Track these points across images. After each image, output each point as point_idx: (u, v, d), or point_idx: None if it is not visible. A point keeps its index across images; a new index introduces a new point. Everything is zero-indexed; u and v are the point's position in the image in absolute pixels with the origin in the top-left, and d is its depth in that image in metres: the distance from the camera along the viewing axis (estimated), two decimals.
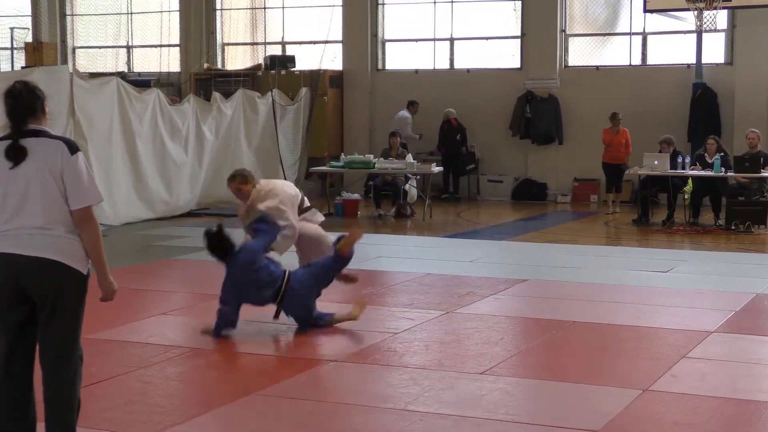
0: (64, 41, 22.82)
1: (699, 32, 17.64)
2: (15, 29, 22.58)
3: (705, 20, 16.93)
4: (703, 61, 18.07)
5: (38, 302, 4.64)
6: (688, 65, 18.39)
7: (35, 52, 19.81)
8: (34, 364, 4.75)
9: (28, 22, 22.56)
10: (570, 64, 19.35)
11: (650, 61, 18.93)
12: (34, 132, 4.68)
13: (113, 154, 14.67)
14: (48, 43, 21.06)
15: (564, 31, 19.23)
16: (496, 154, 19.51)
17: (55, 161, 4.63)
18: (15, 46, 22.46)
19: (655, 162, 15.31)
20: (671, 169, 15.16)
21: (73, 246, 4.66)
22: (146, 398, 6.06)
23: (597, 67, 19.07)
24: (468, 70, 19.80)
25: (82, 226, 4.69)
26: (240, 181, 8.67)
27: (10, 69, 21.39)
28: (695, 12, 16.89)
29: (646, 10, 17.94)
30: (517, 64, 19.55)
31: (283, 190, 8.58)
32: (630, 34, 19.02)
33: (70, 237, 4.67)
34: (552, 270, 10.94)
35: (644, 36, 18.91)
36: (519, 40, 19.51)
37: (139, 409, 5.84)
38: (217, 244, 7.61)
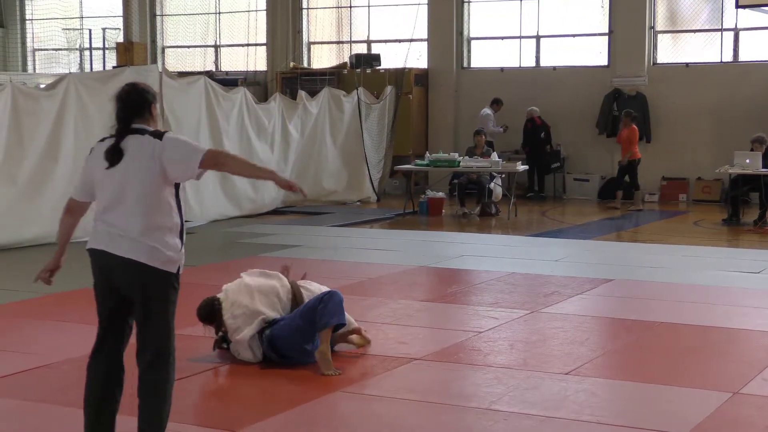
0: (153, 41, 23.22)
1: None
2: (107, 29, 23.05)
3: None
4: None
5: (132, 300, 4.80)
6: None
7: (126, 52, 20.15)
8: (124, 346, 4.94)
9: (119, 22, 22.99)
10: (659, 61, 19.07)
11: (742, 57, 18.56)
12: (136, 130, 4.79)
13: None
14: (138, 43, 21.40)
15: (653, 27, 18.96)
16: (582, 152, 19.32)
17: (151, 154, 4.71)
18: (107, 46, 22.92)
19: (747, 161, 15.03)
20: (764, 167, 14.86)
21: (164, 247, 4.74)
22: (230, 394, 6.12)
23: (686, 64, 18.76)
24: (554, 68, 19.63)
25: (223, 168, 4.90)
26: (209, 322, 6.98)
27: (102, 68, 21.83)
28: None
29: (738, 6, 17.57)
30: (604, 61, 19.34)
31: (239, 301, 6.89)
32: (721, 30, 18.68)
33: (161, 238, 4.74)
34: (638, 270, 10.79)
35: (736, 32, 18.54)
36: (607, 37, 19.29)
37: (224, 405, 5.91)
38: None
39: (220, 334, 6.84)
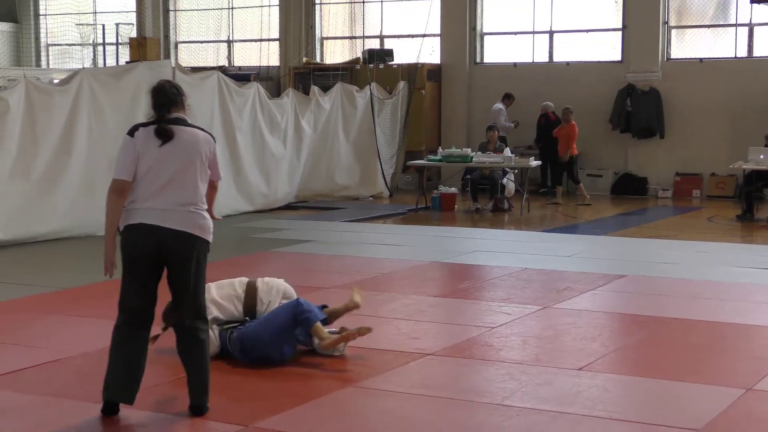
0: (167, 36, 23.26)
1: None
2: (120, 25, 23.09)
3: None
4: None
5: (176, 269, 5.41)
6: None
7: (139, 48, 20.19)
8: (154, 311, 5.53)
9: (132, 18, 23.04)
10: (673, 56, 19.01)
11: (756, 53, 18.48)
12: (176, 120, 5.45)
13: None
14: (151, 38, 21.44)
15: (666, 22, 18.90)
16: (595, 148, 19.28)
17: (206, 147, 5.50)
18: (120, 41, 22.97)
19: (761, 156, 14.98)
20: None
21: (207, 221, 5.50)
22: (241, 389, 6.13)
23: (700, 60, 18.69)
24: (568, 64, 19.60)
25: (212, 190, 5.65)
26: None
27: (115, 64, 21.88)
28: None
29: (753, 1, 17.49)
30: (617, 56, 19.29)
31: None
32: (736, 25, 18.60)
33: (204, 212, 5.50)
34: (652, 266, 10.76)
35: (750, 27, 18.47)
36: (620, 32, 19.24)
37: (235, 400, 5.92)
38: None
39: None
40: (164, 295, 5.62)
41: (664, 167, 18.82)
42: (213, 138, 5.62)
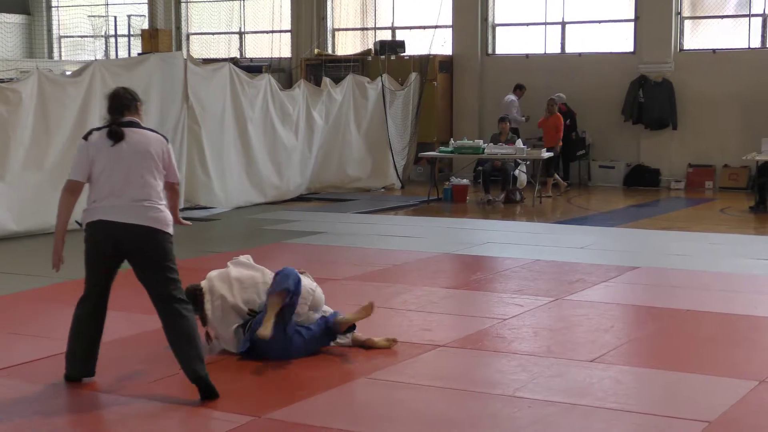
0: (178, 28, 23.27)
1: None
2: (132, 16, 23.11)
3: None
4: None
5: (143, 263, 5.75)
6: None
7: (151, 39, 20.17)
8: (107, 297, 5.98)
9: (144, 9, 23.03)
10: (685, 47, 18.93)
11: None
12: (129, 123, 5.84)
13: (225, 138, 14.90)
14: (163, 30, 21.41)
15: (679, 13, 18.82)
16: (607, 139, 19.23)
17: (157, 147, 5.82)
18: (132, 33, 22.99)
19: None
20: None
21: (163, 213, 5.78)
22: (254, 380, 6.13)
23: (714, 51, 18.61)
24: (580, 55, 19.53)
25: (172, 194, 6.01)
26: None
27: (127, 55, 21.91)
28: None
29: None
30: (630, 47, 19.22)
31: (217, 292, 6.77)
32: (749, 15, 18.51)
33: (160, 206, 5.79)
34: (664, 257, 10.74)
35: (764, 18, 18.37)
36: (633, 23, 19.16)
37: (247, 390, 5.93)
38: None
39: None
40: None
41: (676, 159, 18.76)
42: (166, 139, 5.93)
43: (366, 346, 6.78)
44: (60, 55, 25.25)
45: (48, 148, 12.26)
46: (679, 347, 7.05)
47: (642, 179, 18.83)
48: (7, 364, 6.33)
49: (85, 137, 5.88)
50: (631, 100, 18.87)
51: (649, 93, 18.62)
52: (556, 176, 17.64)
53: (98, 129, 5.88)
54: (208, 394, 5.63)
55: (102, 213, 5.74)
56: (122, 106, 5.90)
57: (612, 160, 19.22)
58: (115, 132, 5.78)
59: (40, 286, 9.00)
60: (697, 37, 18.95)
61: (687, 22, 18.97)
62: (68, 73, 16.18)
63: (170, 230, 5.84)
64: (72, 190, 5.84)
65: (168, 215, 5.85)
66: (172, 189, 6.01)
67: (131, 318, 7.44)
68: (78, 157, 5.85)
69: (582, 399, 5.71)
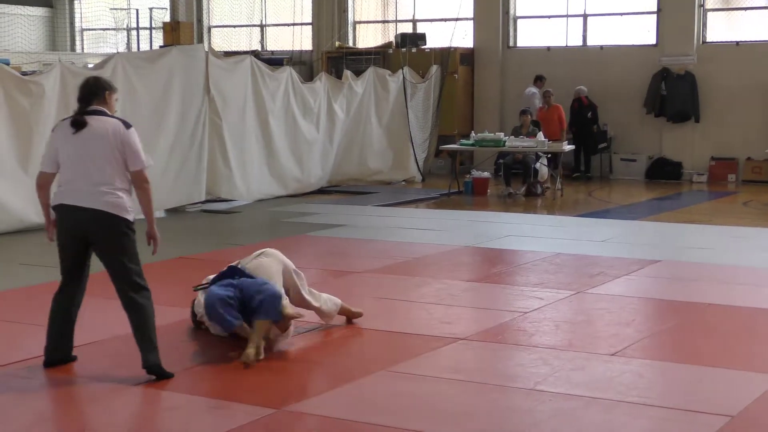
0: (200, 20, 23.29)
1: None
2: (154, 9, 23.17)
3: None
4: None
5: (100, 247, 5.96)
6: None
7: (173, 32, 20.26)
8: (84, 281, 6.20)
9: (166, 2, 23.12)
10: (708, 39, 18.81)
11: None
12: (95, 111, 6.01)
13: (246, 131, 14.92)
14: (185, 22, 21.51)
15: (702, 5, 18.69)
16: (629, 132, 19.14)
17: (115, 133, 5.94)
18: (153, 25, 23.04)
19: None
20: None
21: (120, 198, 5.92)
22: (273, 373, 6.15)
23: (737, 43, 18.48)
24: (601, 47, 19.44)
25: (138, 186, 6.01)
26: None
27: (148, 48, 21.96)
28: None
29: None
30: (652, 40, 19.11)
31: None
32: None
33: (118, 192, 5.91)
34: (686, 251, 10.69)
35: None
36: (655, 15, 19.06)
37: (267, 383, 5.94)
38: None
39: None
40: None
41: (699, 151, 18.66)
42: (126, 125, 6.00)
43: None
44: (82, 48, 25.34)
45: None
46: (700, 341, 7.01)
47: (664, 172, 18.74)
48: (28, 356, 6.36)
49: (53, 129, 6.14)
50: (653, 93, 18.77)
51: (672, 86, 18.51)
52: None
53: (64, 119, 6.11)
54: (162, 378, 5.89)
55: (63, 197, 5.97)
56: (90, 96, 6.08)
57: (634, 153, 19.14)
58: (76, 121, 5.98)
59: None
60: (720, 29, 18.82)
61: (710, 14, 18.84)
62: (90, 65, 16.22)
63: (128, 216, 5.95)
64: (40, 184, 6.11)
65: (127, 201, 5.96)
66: (137, 180, 5.99)
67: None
68: (46, 149, 6.16)
69: (603, 393, 5.70)
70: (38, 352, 6.22)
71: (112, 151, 5.91)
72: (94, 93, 6.09)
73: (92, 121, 5.97)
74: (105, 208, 5.88)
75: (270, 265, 6.84)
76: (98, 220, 5.89)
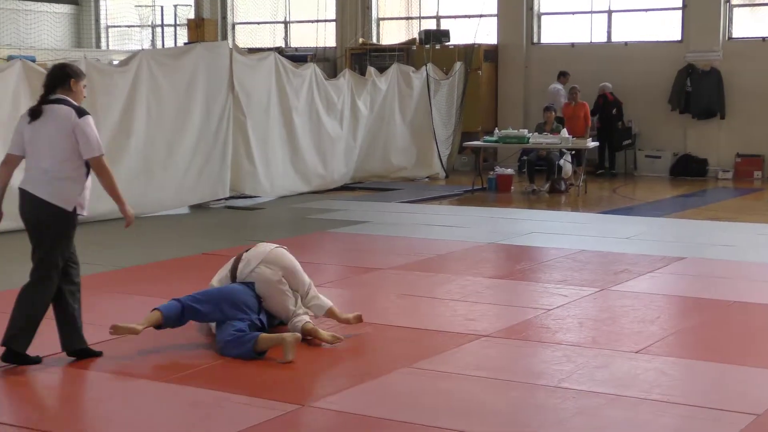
0: (224, 17, 23.36)
1: None
2: (178, 6, 23.25)
3: None
4: None
5: (30, 230, 6.09)
6: None
7: (197, 29, 20.33)
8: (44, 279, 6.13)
9: None
10: (734, 35, 18.69)
11: None
12: (55, 100, 6.09)
13: (270, 128, 14.95)
14: (209, 19, 21.59)
15: (728, 1, 18.58)
16: (654, 128, 19.05)
17: (66, 121, 6.01)
18: (178, 22, 23.12)
19: None
20: None
21: (65, 188, 6.02)
22: (297, 369, 6.16)
23: (763, 39, 18.36)
24: (626, 43, 19.36)
25: (98, 173, 6.13)
26: None
27: (173, 45, 22.04)
28: None
29: None
30: (677, 36, 19.01)
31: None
32: None
33: (64, 180, 6.02)
34: (712, 248, 10.63)
35: None
36: (680, 11, 18.96)
37: (291, 379, 5.95)
38: None
39: None
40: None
41: (724, 148, 18.55)
42: (79, 113, 6.04)
43: (311, 336, 6.62)
44: (107, 45, 25.46)
45: None
46: (725, 339, 6.98)
47: (689, 169, 18.65)
48: (55, 351, 6.40)
49: (22, 115, 6.26)
50: (678, 90, 18.68)
51: (697, 82, 18.41)
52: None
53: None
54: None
55: (22, 182, 6.13)
56: (53, 83, 6.15)
57: (658, 149, 19.05)
58: (32, 110, 6.13)
59: (85, 275, 9.08)
60: (747, 25, 18.70)
61: (736, 10, 18.73)
62: (115, 62, 16.31)
63: (67, 207, 6.04)
64: (5, 161, 6.25)
65: (71, 191, 6.04)
66: (95, 168, 6.11)
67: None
68: (13, 133, 6.27)
69: (627, 390, 5.68)
70: (52, 349, 6.26)
71: (63, 139, 6.01)
72: (58, 81, 6.16)
73: (48, 110, 6.07)
74: (44, 195, 6.01)
75: (270, 279, 6.76)
76: (37, 207, 6.03)
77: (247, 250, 7.01)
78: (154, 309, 6.43)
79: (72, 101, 6.13)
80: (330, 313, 6.93)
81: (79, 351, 6.22)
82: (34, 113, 6.11)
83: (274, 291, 6.73)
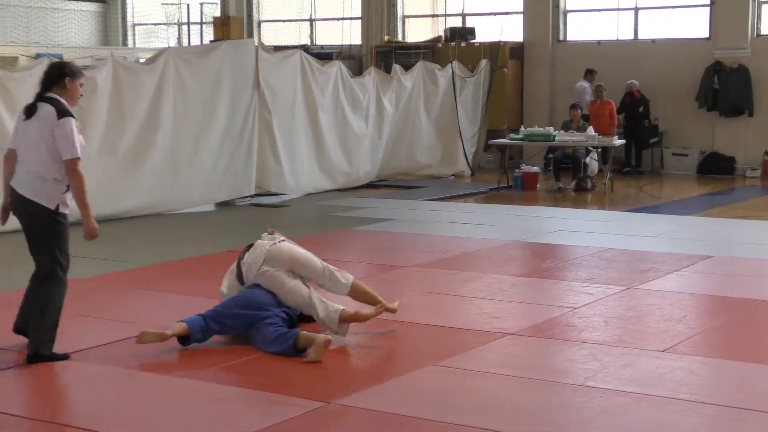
0: (250, 15, 23.41)
1: None
2: (204, 4, 23.32)
3: None
4: None
5: (23, 229, 6.12)
6: None
7: (223, 27, 20.35)
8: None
9: None
10: (762, 32, 18.55)
11: None
12: (48, 98, 6.10)
13: (296, 125, 14.97)
14: (235, 17, 21.59)
15: None
16: (681, 126, 18.95)
17: (49, 122, 6.01)
18: (204, 20, 23.19)
19: None
20: None
21: (47, 187, 6.03)
22: (322, 366, 6.16)
23: None
24: (653, 41, 19.26)
25: (70, 176, 6.06)
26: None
27: (199, 43, 22.11)
28: None
29: None
30: (705, 33, 18.89)
31: None
32: None
33: (47, 180, 6.03)
34: (739, 247, 10.56)
35: None
36: (708, 8, 18.83)
37: (317, 376, 5.95)
38: None
39: None
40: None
41: (752, 146, 18.42)
42: (60, 114, 6.01)
43: (354, 321, 6.73)
44: (134, 43, 25.58)
45: (122, 134, 12.43)
46: (753, 338, 6.93)
47: (716, 167, 18.53)
48: (82, 347, 6.43)
49: (21, 110, 6.31)
50: (706, 87, 18.56)
51: (725, 79, 18.29)
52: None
53: None
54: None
55: (12, 180, 6.21)
56: (49, 82, 6.17)
57: (685, 147, 18.94)
58: (26, 108, 6.17)
59: (111, 271, 9.14)
60: None
61: (765, 7, 18.58)
62: (142, 60, 16.39)
63: (50, 205, 6.04)
64: (6, 157, 6.29)
65: (53, 191, 6.05)
66: (67, 170, 6.04)
67: (196, 302, 7.51)
68: (13, 129, 6.38)
69: (653, 389, 5.64)
70: (80, 345, 6.28)
71: (44, 141, 6.02)
72: (54, 79, 6.16)
73: (40, 108, 6.09)
74: (28, 194, 6.05)
75: (282, 280, 6.77)
76: (23, 206, 6.09)
77: (247, 250, 7.01)
78: (180, 321, 6.46)
79: (61, 101, 6.10)
80: (354, 291, 6.95)
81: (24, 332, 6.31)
82: (29, 111, 6.14)
83: (283, 287, 6.76)
